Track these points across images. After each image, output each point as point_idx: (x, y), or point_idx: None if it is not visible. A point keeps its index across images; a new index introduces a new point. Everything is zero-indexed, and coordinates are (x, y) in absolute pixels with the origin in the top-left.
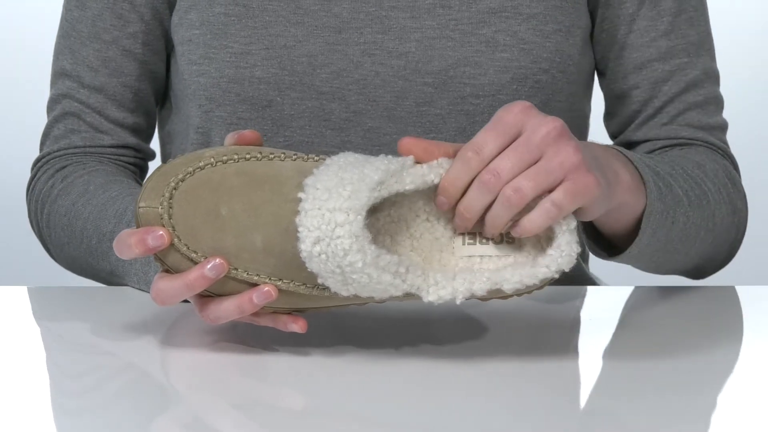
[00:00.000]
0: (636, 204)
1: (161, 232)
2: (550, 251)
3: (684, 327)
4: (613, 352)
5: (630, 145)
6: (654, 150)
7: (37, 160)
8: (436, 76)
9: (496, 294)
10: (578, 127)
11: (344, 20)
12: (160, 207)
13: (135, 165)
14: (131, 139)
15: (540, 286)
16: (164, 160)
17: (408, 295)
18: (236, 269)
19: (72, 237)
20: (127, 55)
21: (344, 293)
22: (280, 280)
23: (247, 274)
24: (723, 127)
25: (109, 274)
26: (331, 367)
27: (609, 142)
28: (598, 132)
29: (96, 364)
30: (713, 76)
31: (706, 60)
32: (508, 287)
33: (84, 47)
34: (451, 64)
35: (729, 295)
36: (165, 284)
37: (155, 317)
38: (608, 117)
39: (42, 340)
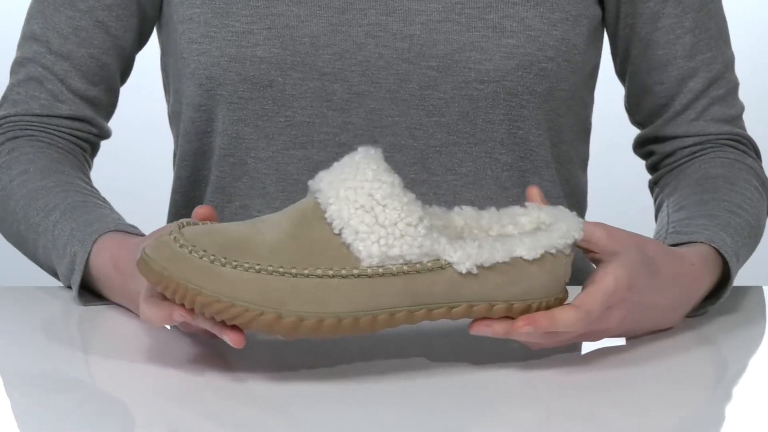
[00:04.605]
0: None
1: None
2: None
3: (708, 326)
4: (633, 351)
5: (659, 140)
6: (684, 147)
7: None
8: (441, 59)
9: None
10: (579, 116)
11: (348, 1)
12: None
13: (87, 141)
14: (89, 112)
15: None
16: (175, 142)
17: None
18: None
19: (6, 213)
20: (99, 27)
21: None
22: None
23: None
24: (741, 112)
25: (35, 261)
26: (321, 393)
27: (611, 130)
28: (599, 127)
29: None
30: (730, 63)
31: (724, 49)
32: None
33: (57, 13)
34: (456, 48)
35: (755, 296)
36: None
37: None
38: (634, 106)
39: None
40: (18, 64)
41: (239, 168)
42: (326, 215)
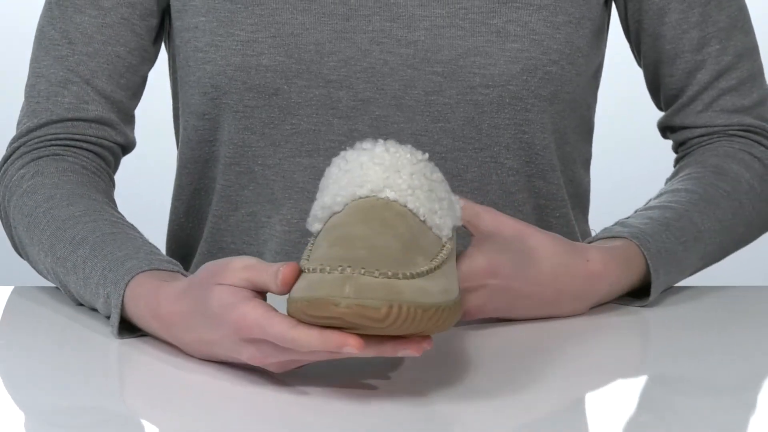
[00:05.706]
0: (630, 285)
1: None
2: None
3: (718, 327)
4: (644, 352)
5: (672, 129)
6: (693, 138)
7: (16, 138)
8: (446, 65)
9: None
10: (582, 117)
11: (352, 7)
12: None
13: (112, 153)
14: (114, 117)
15: None
16: (178, 148)
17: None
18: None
19: (32, 240)
20: (125, 24)
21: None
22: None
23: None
24: (760, 99)
25: (64, 291)
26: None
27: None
28: (601, 126)
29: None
30: (747, 53)
31: (738, 39)
32: None
33: (79, 14)
34: (461, 53)
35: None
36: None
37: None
38: (653, 92)
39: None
40: (35, 76)
41: (246, 176)
42: (409, 207)
